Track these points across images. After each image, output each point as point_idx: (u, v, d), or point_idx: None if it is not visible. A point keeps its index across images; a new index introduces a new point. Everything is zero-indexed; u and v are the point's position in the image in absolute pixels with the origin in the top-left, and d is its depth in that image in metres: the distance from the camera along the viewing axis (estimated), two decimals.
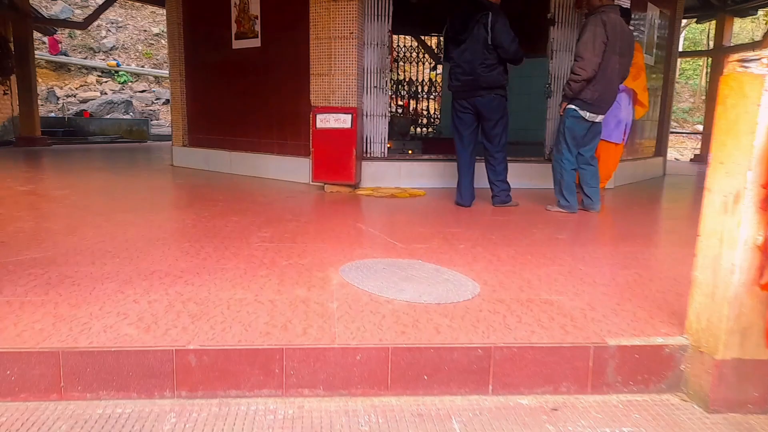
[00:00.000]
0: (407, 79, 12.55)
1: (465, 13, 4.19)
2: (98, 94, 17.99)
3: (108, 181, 5.88)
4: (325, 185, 5.19)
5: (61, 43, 19.83)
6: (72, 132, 13.51)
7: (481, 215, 4.23)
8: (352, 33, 5.28)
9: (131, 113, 17.10)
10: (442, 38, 11.75)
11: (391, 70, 5.93)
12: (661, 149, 7.76)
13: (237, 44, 6.33)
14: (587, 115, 4.13)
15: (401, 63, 12.32)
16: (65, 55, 19.92)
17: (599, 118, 4.20)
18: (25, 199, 4.41)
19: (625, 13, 5.00)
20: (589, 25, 3.98)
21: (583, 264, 2.84)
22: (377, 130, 5.71)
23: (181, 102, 7.09)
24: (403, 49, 12.35)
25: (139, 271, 2.46)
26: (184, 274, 2.44)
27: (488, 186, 4.57)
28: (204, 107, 6.95)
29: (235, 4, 6.25)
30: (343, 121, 4.99)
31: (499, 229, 3.68)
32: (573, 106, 4.16)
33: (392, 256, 2.90)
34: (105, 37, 21.02)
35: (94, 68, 19.90)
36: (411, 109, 12.14)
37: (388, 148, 9.58)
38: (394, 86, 12.44)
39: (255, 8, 6.06)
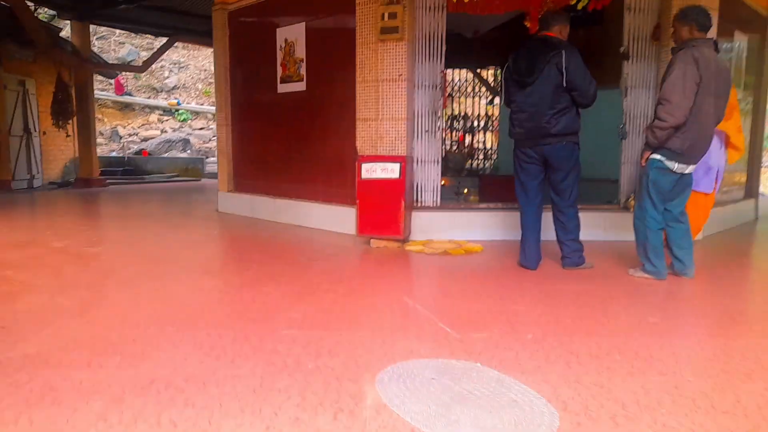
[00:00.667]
0: (462, 114, 12.10)
1: (532, 53, 3.66)
2: (158, 132, 18.53)
3: (147, 232, 5.65)
4: (371, 240, 4.73)
5: (126, 84, 20.71)
6: (130, 171, 13.81)
7: (551, 282, 3.63)
8: (401, 75, 4.86)
9: (189, 150, 17.46)
10: (499, 73, 11.26)
11: (444, 113, 5.48)
12: (752, 190, 6.87)
13: (282, 88, 6.06)
14: (675, 166, 3.49)
15: (456, 96, 11.90)
16: (130, 95, 20.77)
17: (690, 169, 3.55)
18: (54, 260, 4.17)
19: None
20: (677, 62, 3.38)
21: (690, 371, 2.20)
22: (429, 178, 5.23)
23: (227, 146, 6.88)
24: (458, 82, 11.95)
25: (137, 380, 2.04)
26: (188, 386, 1.99)
27: (555, 239, 3.97)
28: (249, 152, 6.70)
29: (281, 47, 6.00)
30: (391, 170, 4.54)
31: (573, 305, 3.07)
32: (658, 157, 3.54)
33: (444, 352, 2.36)
34: (167, 77, 21.81)
35: (157, 107, 20.61)
36: (466, 144, 11.64)
37: (442, 185, 9.20)
38: (449, 121, 12.03)
39: (300, 51, 5.78)
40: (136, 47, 21.82)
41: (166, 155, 16.37)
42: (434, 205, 5.25)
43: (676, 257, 3.69)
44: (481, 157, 11.50)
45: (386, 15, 4.79)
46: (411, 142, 5.10)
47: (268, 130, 6.38)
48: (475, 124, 11.63)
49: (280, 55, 6.04)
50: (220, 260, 4.58)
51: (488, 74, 11.95)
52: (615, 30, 5.50)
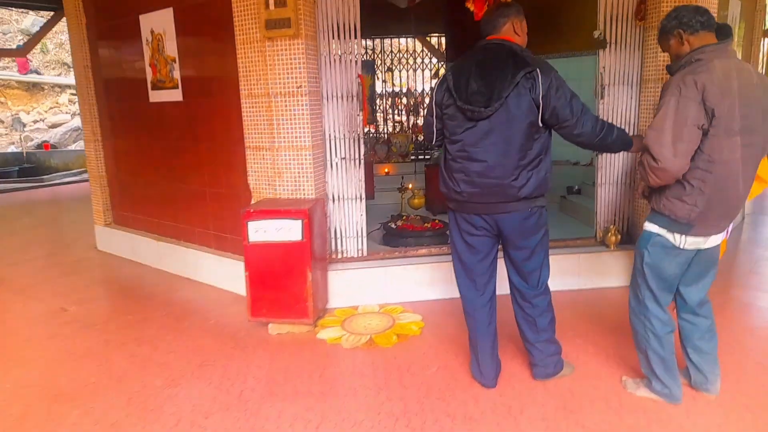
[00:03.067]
0: (405, 90, 10.70)
1: (488, 70, 2.30)
2: (68, 117, 16.34)
3: None
4: (270, 324, 3.42)
5: (31, 60, 18.24)
6: (29, 170, 11.89)
7: (518, 409, 2.45)
8: (301, 87, 3.47)
9: None
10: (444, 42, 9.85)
11: (368, 131, 4.13)
12: None
13: (154, 96, 4.54)
14: (684, 241, 2.30)
15: (397, 69, 10.45)
16: (37, 73, 18.36)
17: (713, 241, 2.37)
18: None
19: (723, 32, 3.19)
20: (669, 91, 2.15)
21: None
22: (351, 220, 3.92)
23: (98, 168, 5.35)
24: (399, 54, 10.47)
25: None
26: None
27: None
28: (126, 177, 5.19)
29: (147, 40, 4.46)
30: (290, 230, 3.21)
31: None
32: (655, 229, 2.35)
33: None
34: None
35: (69, 86, 18.24)
36: (411, 125, 10.29)
37: (386, 174, 7.90)
38: (390, 99, 10.61)
39: (171, 48, 4.26)
40: (42, 16, 19.20)
41: (74, 147, 14.34)
42: (360, 254, 3.96)
43: (694, 364, 2.54)
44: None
45: (271, 1, 3.35)
46: (322, 174, 3.76)
47: (144, 151, 4.88)
48: (422, 102, 10.26)
49: (147, 52, 4.50)
50: (52, 352, 3.20)
51: (438, 43, 10.46)
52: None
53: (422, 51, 10.51)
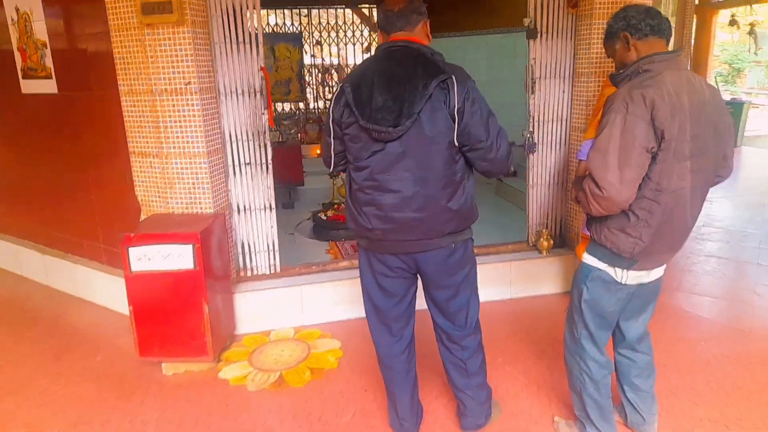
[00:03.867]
0: (338, 65, 10.11)
1: (396, 78, 1.86)
2: None
3: None
4: (163, 363, 2.96)
5: None
6: None
7: None
8: (190, 83, 2.94)
9: None
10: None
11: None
12: None
13: (26, 86, 3.86)
14: (627, 276, 2.03)
15: (327, 43, 9.82)
16: None
17: (655, 274, 2.11)
18: None
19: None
20: (614, 107, 1.83)
21: None
22: (260, 233, 3.47)
23: None
24: (328, 26, 9.82)
25: None
26: None
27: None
28: (5, 177, 4.48)
29: (13, 20, 3.75)
30: (179, 256, 2.74)
31: None
32: (593, 260, 2.07)
33: None
34: None
35: None
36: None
37: (318, 155, 7.38)
38: (320, 75, 10.01)
39: (41, 30, 3.59)
40: None
41: None
42: (272, 271, 3.54)
43: (631, 403, 2.31)
44: None
45: None
46: (224, 182, 3.28)
47: (24, 148, 4.19)
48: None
49: (14, 33, 3.79)
50: None
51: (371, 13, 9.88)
52: None
53: (353, 22, 9.92)
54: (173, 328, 2.83)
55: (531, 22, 3.50)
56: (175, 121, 3.00)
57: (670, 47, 1.99)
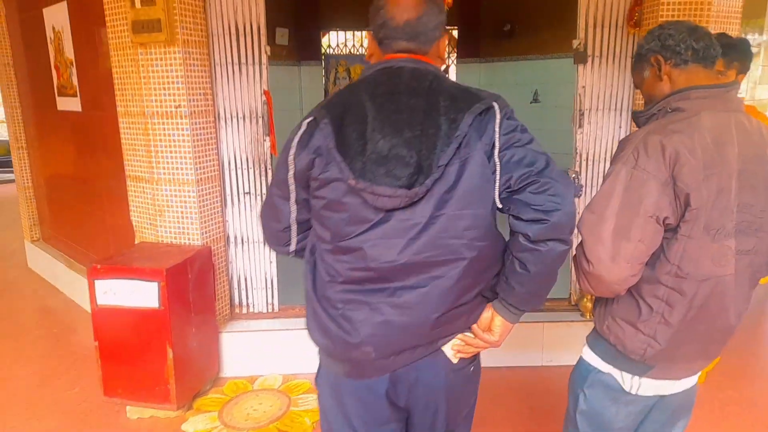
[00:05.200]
0: None
1: (408, 114, 1.19)
2: None
3: None
4: (128, 406, 2.74)
5: None
6: None
7: None
8: (180, 106, 2.74)
9: None
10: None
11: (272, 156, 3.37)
12: None
13: (61, 103, 3.91)
14: (638, 384, 1.46)
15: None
16: None
17: (685, 384, 1.53)
18: None
19: (733, 49, 2.36)
20: (622, 155, 1.32)
21: None
22: (258, 267, 3.19)
23: (23, 178, 4.77)
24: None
25: None
26: None
27: None
28: (48, 192, 4.60)
29: (50, 39, 3.81)
30: (144, 294, 2.51)
31: None
32: (593, 358, 1.53)
33: None
34: None
35: None
36: None
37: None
38: None
39: (69, 49, 3.60)
40: None
41: None
42: (270, 310, 3.24)
43: None
44: None
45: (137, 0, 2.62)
46: (220, 213, 3.04)
47: (59, 165, 4.27)
48: None
49: (51, 52, 3.86)
50: None
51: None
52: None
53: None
54: (137, 370, 2.60)
55: (580, 44, 2.96)
56: (166, 146, 2.81)
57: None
